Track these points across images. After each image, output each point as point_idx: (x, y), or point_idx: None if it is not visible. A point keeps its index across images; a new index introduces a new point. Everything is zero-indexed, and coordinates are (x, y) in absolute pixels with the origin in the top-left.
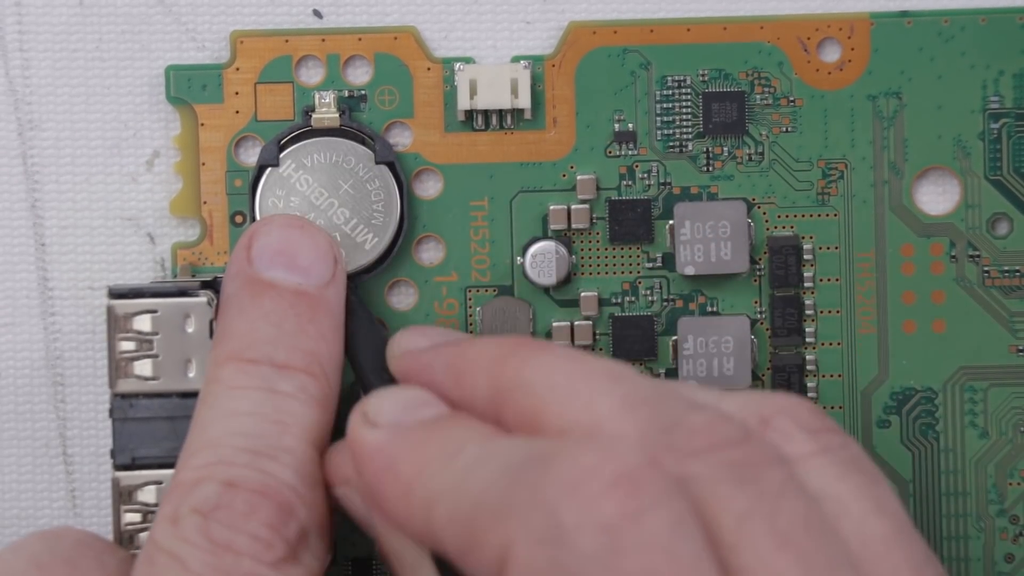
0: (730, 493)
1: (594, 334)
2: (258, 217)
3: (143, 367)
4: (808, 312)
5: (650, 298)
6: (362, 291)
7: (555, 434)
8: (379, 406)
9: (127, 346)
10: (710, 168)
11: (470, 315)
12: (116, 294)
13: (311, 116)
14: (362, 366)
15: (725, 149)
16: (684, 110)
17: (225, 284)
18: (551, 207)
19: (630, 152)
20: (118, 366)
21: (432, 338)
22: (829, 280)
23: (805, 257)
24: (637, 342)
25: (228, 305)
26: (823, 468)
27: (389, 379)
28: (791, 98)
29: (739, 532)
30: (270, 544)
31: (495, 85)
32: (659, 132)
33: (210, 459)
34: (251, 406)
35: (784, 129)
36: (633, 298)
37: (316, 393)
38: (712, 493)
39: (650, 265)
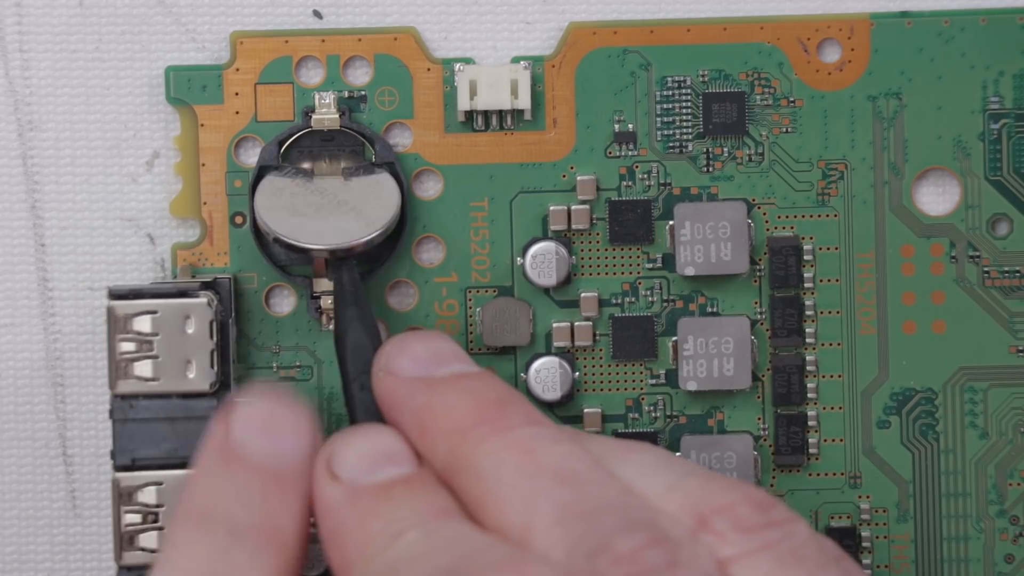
0: None
1: (594, 334)
2: (258, 218)
3: (143, 368)
4: (808, 313)
5: (650, 299)
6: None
7: (493, 529)
8: (343, 456)
9: (127, 347)
10: (710, 169)
11: (470, 315)
12: (116, 295)
13: (311, 117)
14: (346, 367)
15: (725, 150)
16: (684, 111)
17: (202, 450)
18: (551, 208)
19: (630, 153)
20: (118, 367)
21: (423, 356)
22: (829, 281)
23: (805, 258)
24: (637, 343)
25: (196, 475)
26: (757, 567)
27: (368, 392)
28: (791, 99)
29: None
30: None
31: (495, 86)
32: (659, 133)
33: None
34: (198, 569)
35: (784, 130)
36: (633, 299)
37: (273, 566)
38: None
39: (650, 266)
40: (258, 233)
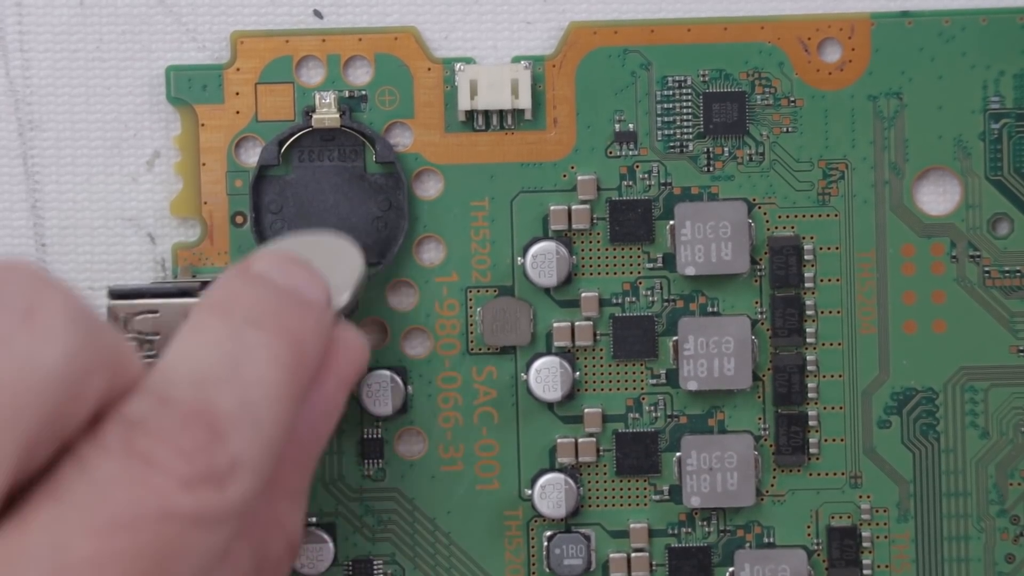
0: None
1: (594, 334)
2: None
3: None
4: (809, 312)
5: (651, 298)
6: (362, 291)
7: None
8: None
9: None
10: (711, 168)
11: (471, 315)
12: (116, 294)
13: (311, 116)
14: None
15: (726, 149)
16: (685, 110)
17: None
18: (552, 207)
19: (631, 152)
20: None
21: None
22: (830, 280)
23: (806, 257)
24: (637, 342)
25: (213, 284)
26: None
27: None
28: (792, 98)
29: None
30: (190, 460)
31: (496, 85)
32: (660, 132)
33: (152, 380)
34: (211, 345)
35: (785, 129)
36: (634, 298)
37: (287, 359)
38: None
39: (651, 265)
40: (259, 233)
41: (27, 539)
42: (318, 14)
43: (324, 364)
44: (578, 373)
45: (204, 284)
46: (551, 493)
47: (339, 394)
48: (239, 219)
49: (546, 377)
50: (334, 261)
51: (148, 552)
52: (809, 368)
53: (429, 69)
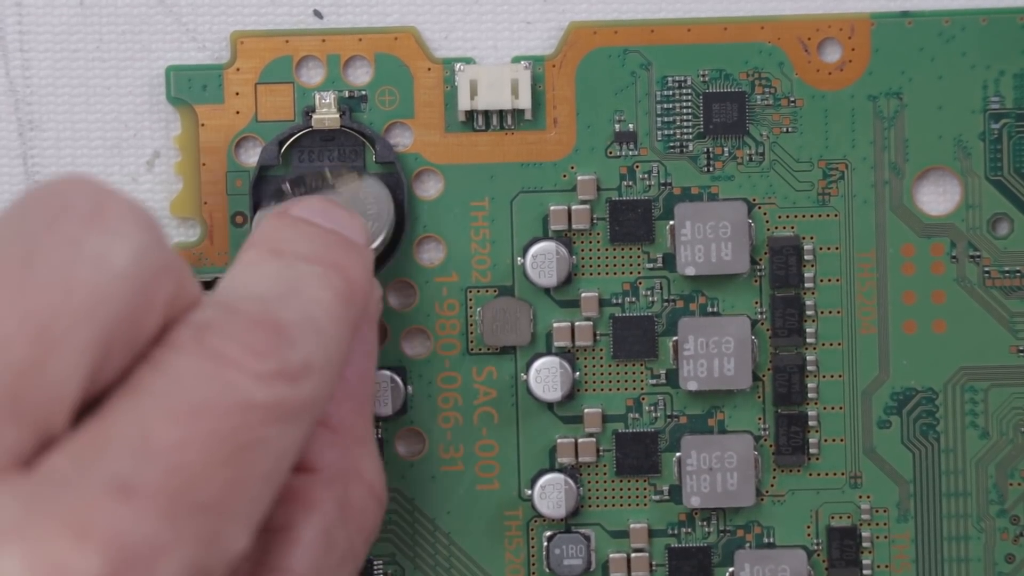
0: None
1: (594, 334)
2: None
3: None
4: (809, 312)
5: (651, 298)
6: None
7: None
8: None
9: None
10: (711, 168)
11: (471, 315)
12: None
13: (311, 116)
14: None
15: (726, 149)
16: (685, 110)
17: (254, 229)
18: (551, 207)
19: (631, 152)
20: None
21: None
22: (830, 280)
23: (806, 257)
24: (637, 342)
25: (257, 228)
26: None
27: None
28: (792, 98)
29: None
30: (261, 358)
31: (496, 85)
32: (660, 132)
33: (217, 294)
34: (269, 275)
35: (785, 129)
36: (634, 298)
37: (339, 286)
38: None
39: (651, 265)
40: None
41: (110, 427)
42: (318, 14)
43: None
44: (578, 373)
45: (205, 284)
46: (551, 493)
47: (373, 334)
48: (239, 219)
49: (546, 377)
50: (364, 207)
51: (228, 439)
52: (809, 368)
53: (429, 69)
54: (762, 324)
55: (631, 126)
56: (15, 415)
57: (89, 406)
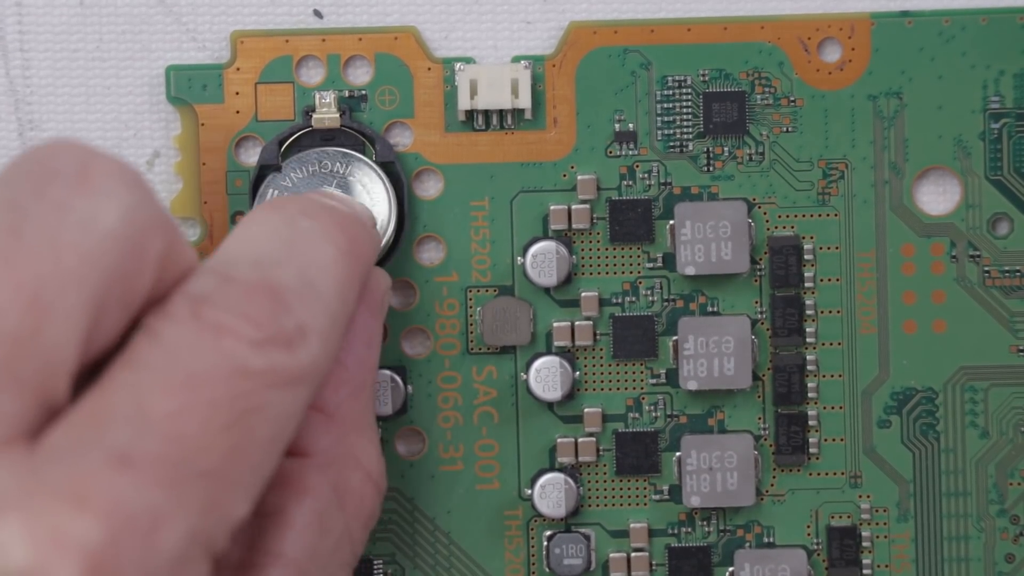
0: None
1: (594, 334)
2: None
3: None
4: (809, 312)
5: (651, 298)
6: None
7: None
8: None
9: None
10: (711, 168)
11: (471, 315)
12: None
13: (311, 116)
14: None
15: (726, 149)
16: (685, 110)
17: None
18: (552, 207)
19: (630, 152)
20: None
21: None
22: (830, 280)
23: (806, 257)
24: (637, 342)
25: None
26: None
27: None
28: (792, 98)
29: None
30: (257, 325)
31: (495, 85)
32: (660, 132)
33: (213, 261)
34: (268, 232)
35: (785, 129)
36: (634, 298)
37: (340, 241)
38: None
39: (651, 265)
40: None
41: (108, 400)
42: (318, 14)
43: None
44: (578, 373)
45: None
46: (551, 493)
47: (375, 322)
48: (239, 219)
49: (546, 377)
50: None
51: (227, 407)
52: (809, 368)
53: (429, 69)
54: (762, 324)
55: (631, 126)
56: (14, 384)
57: (88, 374)
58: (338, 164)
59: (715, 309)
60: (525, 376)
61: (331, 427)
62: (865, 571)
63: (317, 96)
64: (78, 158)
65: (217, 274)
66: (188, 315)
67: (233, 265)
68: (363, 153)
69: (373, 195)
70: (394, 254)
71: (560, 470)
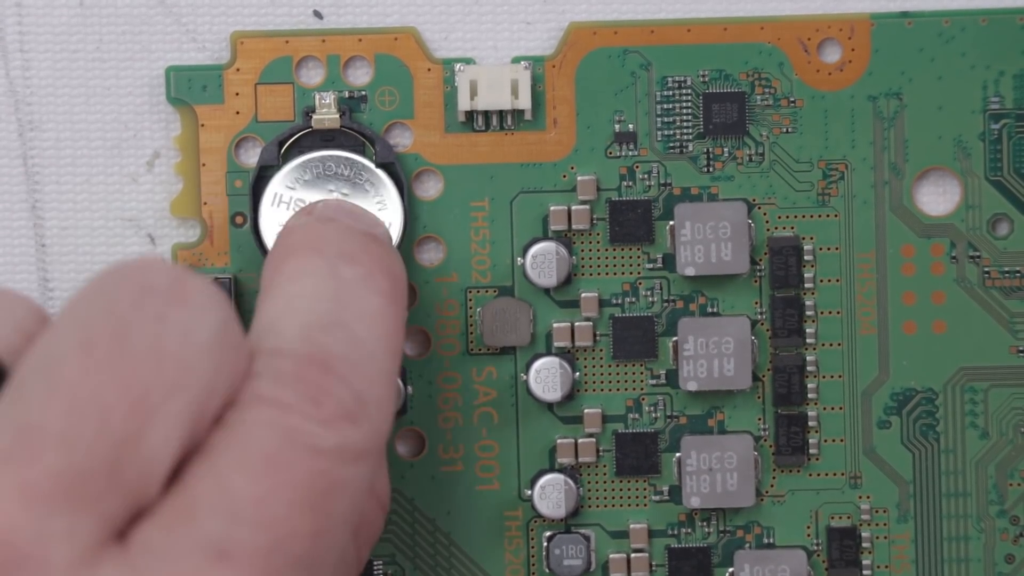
0: None
1: (594, 335)
2: (259, 219)
3: None
4: (808, 313)
5: (650, 299)
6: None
7: None
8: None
9: None
10: (710, 169)
11: (470, 316)
12: None
13: (311, 117)
14: None
15: (725, 150)
16: (684, 111)
17: (283, 231)
18: (551, 208)
19: (630, 153)
20: None
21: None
22: (829, 281)
23: (805, 258)
24: (637, 343)
25: (289, 230)
26: None
27: None
28: (791, 99)
29: None
30: (316, 402)
31: (495, 86)
32: (659, 133)
33: (262, 337)
34: (313, 290)
35: (784, 130)
36: (633, 299)
37: (384, 286)
38: None
39: (650, 266)
40: (258, 233)
41: (193, 491)
42: (318, 14)
43: None
44: (578, 373)
45: None
46: (551, 493)
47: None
48: (239, 219)
49: (546, 377)
50: (375, 203)
51: (306, 487)
52: (809, 368)
53: (429, 69)
54: (762, 324)
55: (631, 126)
56: (116, 486)
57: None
58: (343, 167)
59: (715, 310)
60: (525, 377)
61: None
62: (865, 572)
63: (317, 97)
64: (170, 274)
65: (269, 352)
66: (249, 396)
67: (283, 338)
68: (363, 154)
69: (386, 199)
70: None
71: (560, 471)
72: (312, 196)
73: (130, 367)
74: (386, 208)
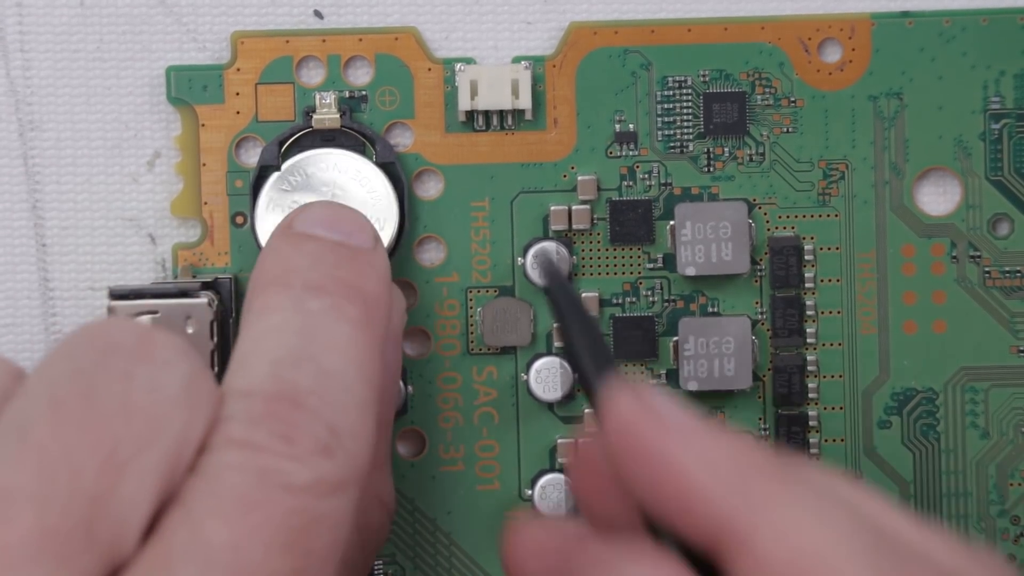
0: None
1: None
2: (258, 218)
3: None
4: (809, 313)
5: (651, 299)
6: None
7: None
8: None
9: None
10: (711, 169)
11: (471, 315)
12: (117, 295)
13: (312, 117)
14: (579, 357)
15: (726, 150)
16: (685, 111)
17: (262, 253)
18: (552, 208)
19: (631, 153)
20: None
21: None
22: (830, 281)
23: (806, 258)
24: (638, 343)
25: (264, 254)
26: None
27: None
28: (792, 98)
29: None
30: (288, 439)
31: (496, 86)
32: (660, 133)
33: (231, 378)
34: (279, 325)
35: (785, 130)
36: (634, 299)
37: (352, 313)
38: None
39: (651, 266)
40: (259, 234)
41: (168, 542)
42: (318, 14)
43: None
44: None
45: (204, 284)
46: (551, 493)
47: (395, 354)
48: (239, 219)
49: (546, 377)
50: (370, 198)
51: (282, 526)
52: (809, 368)
53: (429, 69)
54: (762, 324)
55: (631, 126)
56: (91, 544)
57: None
58: (336, 166)
59: (715, 310)
60: (525, 377)
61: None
62: None
63: (317, 97)
64: (135, 332)
65: (237, 393)
66: (220, 439)
67: (250, 375)
68: (363, 154)
69: (375, 194)
70: (394, 255)
71: (560, 471)
72: (306, 197)
73: (99, 424)
74: (378, 205)
